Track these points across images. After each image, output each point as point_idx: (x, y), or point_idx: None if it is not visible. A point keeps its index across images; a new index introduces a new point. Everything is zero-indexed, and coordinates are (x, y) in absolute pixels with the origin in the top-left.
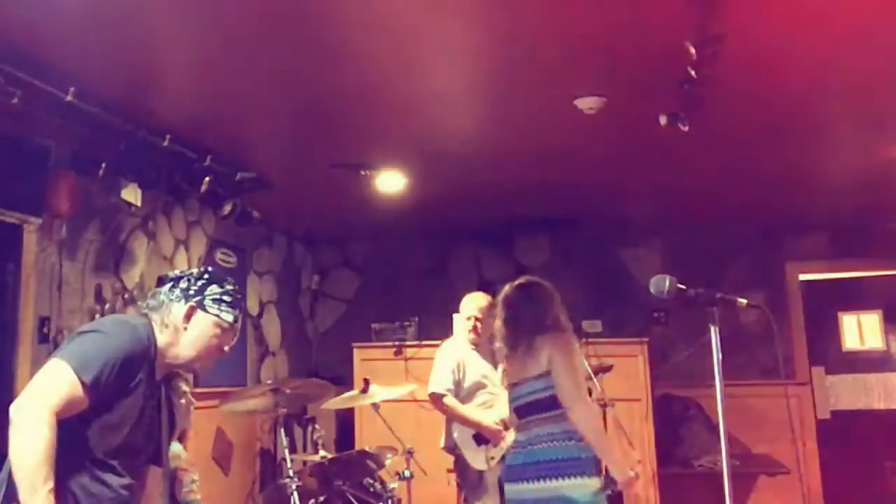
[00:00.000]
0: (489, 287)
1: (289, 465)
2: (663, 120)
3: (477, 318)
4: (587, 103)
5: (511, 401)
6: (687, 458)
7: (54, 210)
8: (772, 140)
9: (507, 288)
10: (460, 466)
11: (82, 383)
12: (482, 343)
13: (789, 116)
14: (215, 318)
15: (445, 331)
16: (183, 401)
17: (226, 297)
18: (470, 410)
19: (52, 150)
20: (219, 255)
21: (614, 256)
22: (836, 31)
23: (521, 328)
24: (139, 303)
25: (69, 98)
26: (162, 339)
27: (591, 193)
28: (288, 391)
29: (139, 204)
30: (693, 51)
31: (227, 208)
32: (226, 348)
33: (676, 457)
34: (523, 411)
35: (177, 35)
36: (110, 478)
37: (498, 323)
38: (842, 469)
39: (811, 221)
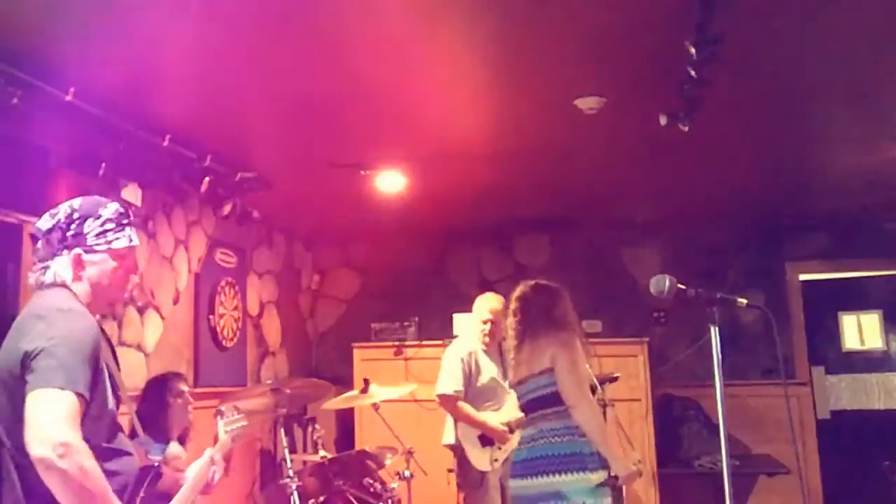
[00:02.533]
0: (489, 287)
1: (289, 465)
2: (663, 120)
3: (492, 322)
4: (587, 103)
5: (519, 397)
6: (687, 458)
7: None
8: (771, 140)
9: (519, 288)
10: (462, 466)
11: (78, 395)
12: (493, 345)
13: (789, 117)
14: (107, 252)
15: (445, 331)
16: (180, 400)
17: (108, 225)
18: (477, 412)
19: (52, 150)
20: (219, 255)
21: (614, 256)
22: (836, 30)
23: (529, 327)
24: (36, 279)
25: (69, 98)
26: (80, 294)
27: (591, 193)
28: (288, 391)
29: (139, 204)
30: (693, 51)
31: (227, 208)
32: (135, 273)
33: (676, 457)
34: (529, 407)
35: (177, 35)
36: (120, 462)
37: (509, 321)
38: (842, 469)
39: (811, 221)
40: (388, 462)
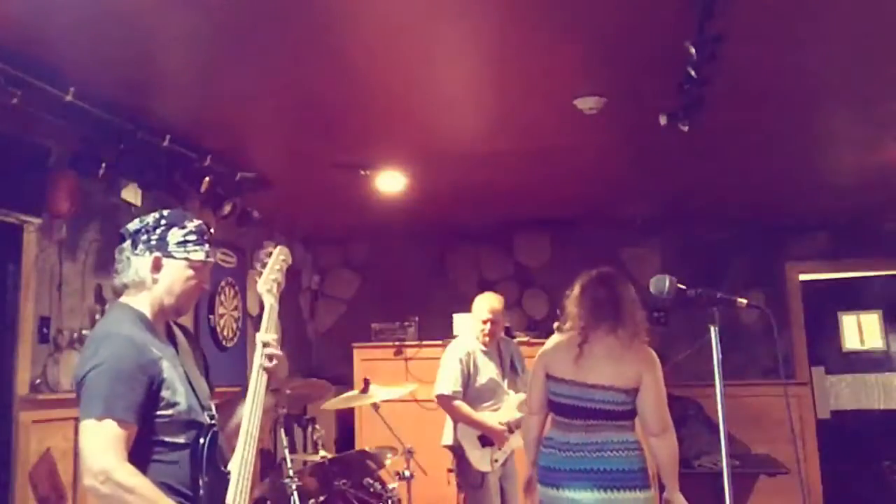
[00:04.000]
0: (489, 287)
1: (289, 465)
2: (663, 120)
3: (491, 321)
4: (587, 103)
5: (572, 397)
6: (687, 458)
7: (54, 210)
8: (771, 140)
9: (589, 277)
10: (462, 466)
11: (118, 420)
12: (492, 345)
13: (789, 116)
14: (185, 261)
15: (445, 331)
16: None
17: (189, 237)
18: (476, 412)
19: (52, 150)
20: (219, 255)
21: (614, 256)
22: (836, 30)
23: (602, 327)
24: (114, 280)
25: (69, 98)
26: (144, 303)
27: (591, 193)
28: (288, 391)
29: (139, 204)
30: (693, 51)
31: (227, 208)
32: (205, 286)
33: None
34: (589, 415)
35: (177, 35)
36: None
37: (577, 309)
38: (842, 469)
39: (811, 221)
40: (388, 462)
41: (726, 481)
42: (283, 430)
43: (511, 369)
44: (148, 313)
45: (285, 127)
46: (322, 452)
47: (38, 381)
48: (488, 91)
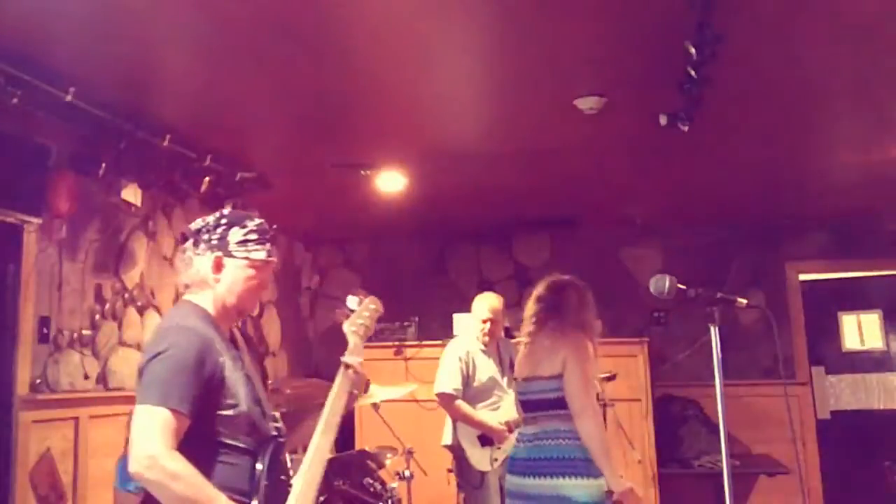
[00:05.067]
0: (489, 287)
1: (289, 465)
2: (663, 120)
3: (491, 321)
4: (587, 103)
5: (520, 393)
6: (687, 458)
7: (54, 210)
8: (771, 140)
9: (541, 285)
10: (461, 466)
11: (172, 411)
12: (492, 344)
13: (789, 116)
14: (246, 261)
15: (445, 331)
16: None
17: (250, 236)
18: (476, 411)
19: (52, 150)
20: None
21: (614, 256)
22: (836, 30)
23: (547, 326)
24: (178, 279)
25: (69, 98)
26: (208, 302)
27: (590, 193)
28: (288, 391)
29: (139, 204)
30: (693, 51)
31: (228, 208)
32: (267, 286)
33: (676, 457)
34: (532, 406)
35: (177, 35)
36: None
37: (528, 313)
38: (842, 469)
39: (811, 221)
40: (388, 462)
41: (726, 481)
42: None
43: (510, 369)
44: (212, 311)
45: (285, 127)
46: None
47: (38, 381)
48: (488, 91)
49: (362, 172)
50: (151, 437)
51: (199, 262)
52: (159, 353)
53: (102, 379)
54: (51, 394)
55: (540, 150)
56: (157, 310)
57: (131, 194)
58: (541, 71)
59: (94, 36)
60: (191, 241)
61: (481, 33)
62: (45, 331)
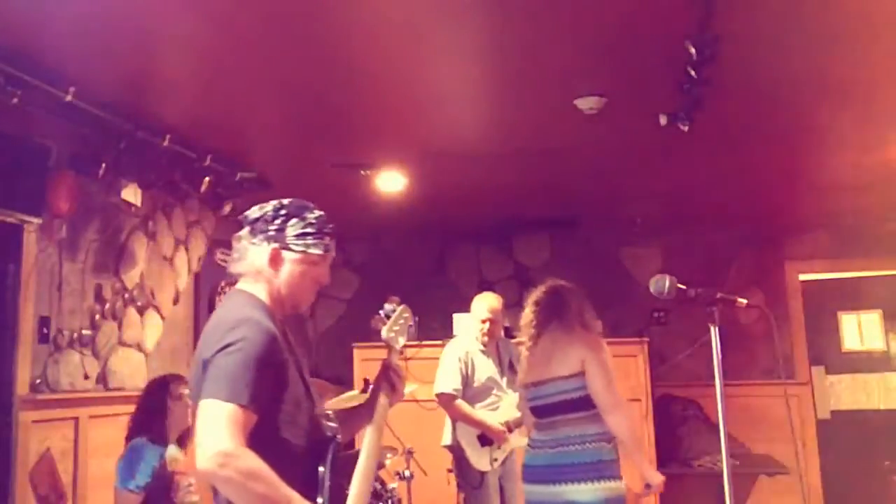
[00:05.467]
0: (489, 287)
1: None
2: (663, 120)
3: (490, 321)
4: (587, 103)
5: (530, 399)
6: (687, 458)
7: (54, 210)
8: (771, 140)
9: (537, 290)
10: (461, 466)
11: (242, 407)
12: (491, 344)
13: (789, 116)
14: (303, 255)
15: (446, 331)
16: (180, 403)
17: (309, 229)
18: (475, 411)
19: (52, 150)
20: (219, 255)
21: (614, 256)
22: (836, 30)
23: (546, 328)
24: (230, 268)
25: (69, 98)
26: (263, 294)
27: (591, 193)
28: None
29: (139, 204)
30: (693, 51)
31: (227, 208)
32: (324, 280)
33: (676, 457)
34: (547, 411)
35: (177, 35)
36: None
37: (524, 321)
38: (842, 469)
39: (811, 221)
40: (388, 462)
41: (726, 481)
42: None
43: (510, 369)
44: (268, 304)
45: (285, 127)
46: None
47: (38, 381)
48: (488, 91)
49: (362, 172)
50: (224, 434)
51: (255, 252)
52: (228, 346)
53: (102, 379)
54: (51, 394)
55: (540, 150)
56: (157, 310)
57: (131, 194)
58: (541, 71)
59: (94, 36)
60: (247, 229)
61: (481, 33)
62: (45, 331)
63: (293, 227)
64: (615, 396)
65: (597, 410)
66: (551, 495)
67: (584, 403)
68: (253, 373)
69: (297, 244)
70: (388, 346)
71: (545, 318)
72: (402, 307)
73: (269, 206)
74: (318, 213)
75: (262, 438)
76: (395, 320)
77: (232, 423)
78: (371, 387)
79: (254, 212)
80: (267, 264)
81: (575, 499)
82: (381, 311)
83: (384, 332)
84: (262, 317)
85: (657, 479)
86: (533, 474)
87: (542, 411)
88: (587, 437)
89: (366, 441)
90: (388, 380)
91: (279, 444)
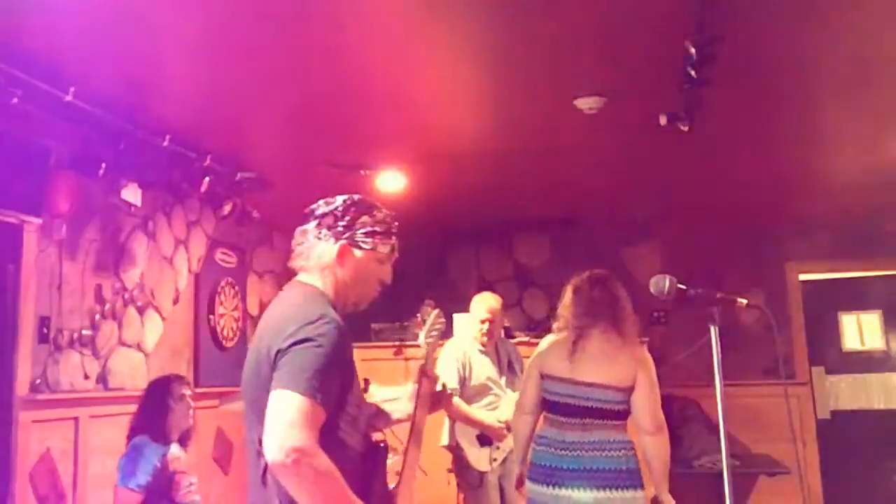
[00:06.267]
0: (489, 287)
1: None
2: (663, 120)
3: (490, 321)
4: (587, 103)
5: (574, 396)
6: (687, 458)
7: (54, 210)
8: (771, 140)
9: (581, 277)
10: (460, 466)
11: (316, 403)
12: (490, 344)
13: (789, 117)
14: (371, 252)
15: (446, 331)
16: (182, 404)
17: (378, 227)
18: (474, 410)
19: (52, 150)
20: (219, 255)
21: (614, 256)
22: (837, 30)
23: (600, 324)
24: (293, 262)
25: (69, 98)
26: (330, 289)
27: (590, 193)
28: None
29: (139, 204)
30: (693, 51)
31: (227, 208)
32: (388, 280)
33: (676, 457)
34: (586, 413)
35: (177, 35)
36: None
37: (572, 309)
38: (842, 469)
39: (811, 221)
40: (388, 462)
41: (726, 481)
42: None
43: (509, 369)
44: (332, 299)
45: (285, 127)
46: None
47: (38, 381)
48: (488, 91)
49: (362, 172)
50: (300, 429)
51: (322, 247)
52: (308, 341)
53: (102, 379)
54: (51, 394)
55: (540, 150)
56: (157, 310)
57: (131, 194)
58: (541, 71)
59: (94, 36)
60: (314, 223)
61: (482, 33)
62: (45, 331)
63: (362, 225)
64: (661, 419)
65: (625, 422)
66: (582, 499)
67: (622, 415)
68: (329, 371)
69: (365, 241)
70: (426, 354)
71: (597, 314)
72: (435, 312)
73: (338, 202)
74: (385, 212)
75: (321, 437)
76: (431, 326)
77: (308, 418)
78: (413, 391)
79: (321, 206)
80: (334, 259)
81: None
82: (417, 315)
83: (421, 339)
84: (335, 315)
85: (671, 502)
86: (557, 476)
87: (580, 412)
88: (620, 445)
89: (408, 456)
90: (428, 389)
91: (337, 445)
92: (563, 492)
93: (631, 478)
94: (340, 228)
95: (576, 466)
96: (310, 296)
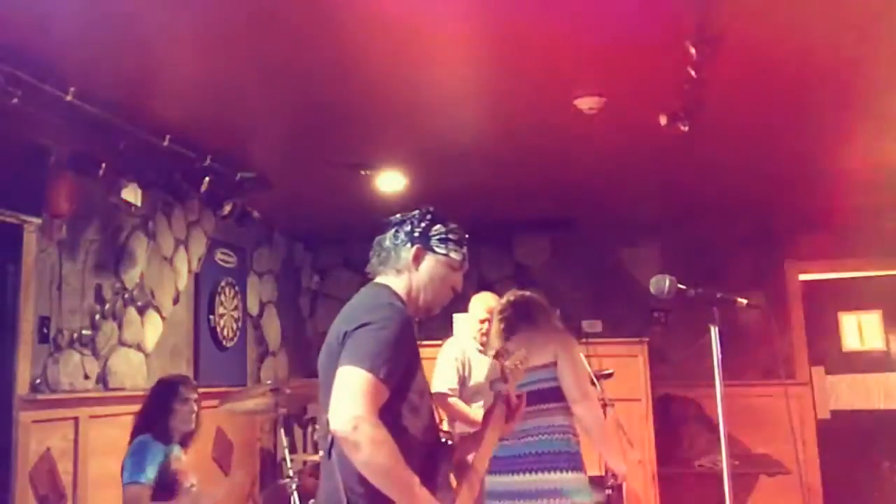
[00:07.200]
0: (489, 287)
1: (289, 465)
2: (663, 120)
3: (488, 321)
4: (587, 103)
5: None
6: (687, 458)
7: (54, 210)
8: (771, 140)
9: (501, 302)
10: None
11: (380, 380)
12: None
13: (789, 116)
14: (444, 258)
15: (446, 331)
16: (186, 407)
17: (451, 236)
18: (473, 410)
19: (52, 150)
20: (219, 255)
21: (614, 256)
22: (836, 30)
23: (519, 331)
24: (371, 268)
25: (69, 98)
26: (403, 291)
27: (590, 193)
28: (288, 391)
29: (139, 204)
30: (693, 51)
31: (227, 208)
32: (458, 288)
33: (676, 457)
34: (529, 399)
35: (177, 35)
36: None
37: (495, 330)
38: (842, 469)
39: (811, 221)
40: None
41: (726, 481)
42: (283, 430)
43: None
44: (404, 299)
45: (285, 127)
46: (322, 452)
47: (38, 381)
48: (488, 91)
49: (362, 172)
50: (360, 400)
51: (398, 251)
52: (370, 324)
53: (102, 379)
54: (51, 394)
55: (540, 150)
56: (157, 310)
57: (131, 194)
58: (541, 71)
59: (94, 36)
60: (392, 230)
61: (482, 33)
62: (45, 331)
63: (437, 231)
64: (584, 388)
65: (565, 403)
66: (515, 484)
67: (556, 395)
68: (392, 350)
69: (440, 247)
70: (507, 377)
71: (514, 322)
72: (524, 352)
73: (415, 211)
74: (456, 224)
75: (384, 420)
76: (517, 356)
77: (370, 392)
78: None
79: (398, 217)
80: (410, 261)
81: (544, 487)
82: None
83: (508, 363)
84: (402, 307)
85: (622, 468)
86: (496, 465)
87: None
88: (555, 428)
89: (472, 468)
90: (503, 411)
91: (399, 431)
92: (501, 478)
93: (556, 460)
94: (417, 234)
95: (506, 454)
96: (381, 293)
